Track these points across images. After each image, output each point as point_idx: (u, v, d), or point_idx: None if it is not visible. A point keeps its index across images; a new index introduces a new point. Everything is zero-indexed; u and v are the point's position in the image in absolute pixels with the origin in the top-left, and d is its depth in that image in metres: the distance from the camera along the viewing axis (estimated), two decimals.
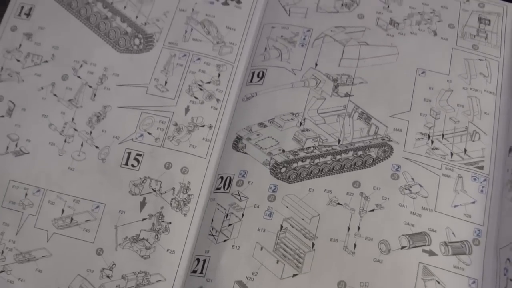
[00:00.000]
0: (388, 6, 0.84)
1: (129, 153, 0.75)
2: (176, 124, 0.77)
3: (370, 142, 0.76)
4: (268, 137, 0.76)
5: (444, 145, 0.76)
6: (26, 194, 0.74)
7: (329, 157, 0.74)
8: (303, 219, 0.71)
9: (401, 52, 0.81)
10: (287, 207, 0.72)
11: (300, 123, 0.77)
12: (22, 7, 0.84)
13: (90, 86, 0.79)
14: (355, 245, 0.70)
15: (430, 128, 0.77)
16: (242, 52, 0.82)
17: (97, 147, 0.76)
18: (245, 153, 0.75)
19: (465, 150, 0.76)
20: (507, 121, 0.80)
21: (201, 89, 0.78)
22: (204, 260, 0.70)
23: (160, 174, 0.75)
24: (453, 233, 0.72)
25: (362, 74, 0.80)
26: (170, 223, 0.72)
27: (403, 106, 0.78)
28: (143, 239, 0.71)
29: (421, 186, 0.74)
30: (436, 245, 0.71)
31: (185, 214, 0.72)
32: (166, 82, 0.79)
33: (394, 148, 0.76)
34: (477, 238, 0.72)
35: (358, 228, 0.71)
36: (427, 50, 0.82)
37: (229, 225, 0.71)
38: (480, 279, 0.71)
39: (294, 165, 0.73)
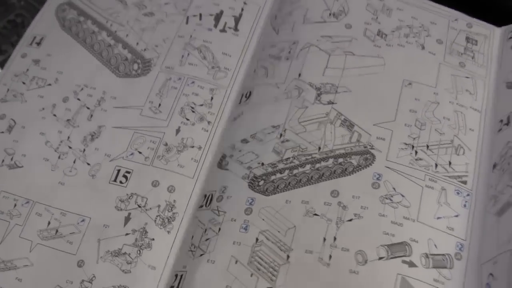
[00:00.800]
0: (377, 18, 0.84)
1: (119, 170, 0.76)
2: (166, 144, 0.78)
3: (352, 149, 0.74)
4: (249, 152, 0.76)
5: (429, 156, 0.74)
6: (15, 205, 0.75)
7: (308, 166, 0.73)
8: (278, 231, 0.69)
9: (387, 63, 0.80)
10: (263, 219, 0.70)
11: (281, 135, 0.76)
12: (34, 37, 0.88)
13: (88, 108, 0.81)
14: (330, 256, 0.67)
15: (414, 138, 0.75)
16: (237, 77, 0.83)
17: (88, 164, 0.77)
18: (227, 169, 0.75)
19: (450, 163, 0.74)
20: (491, 139, 0.78)
21: (193, 111, 0.79)
22: (181, 276, 0.70)
23: (147, 192, 0.75)
24: (435, 245, 0.69)
25: (346, 83, 0.79)
26: (153, 239, 0.72)
27: (388, 116, 0.77)
28: (125, 253, 0.71)
29: (403, 196, 0.71)
30: (416, 257, 0.68)
31: (168, 232, 0.72)
32: (160, 104, 0.81)
33: (376, 157, 0.74)
34: (459, 253, 0.70)
35: (335, 238, 0.68)
36: (414, 62, 0.81)
37: (206, 239, 0.71)
38: None
39: (272, 177, 0.72)
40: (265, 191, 0.72)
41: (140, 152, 0.78)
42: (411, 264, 0.67)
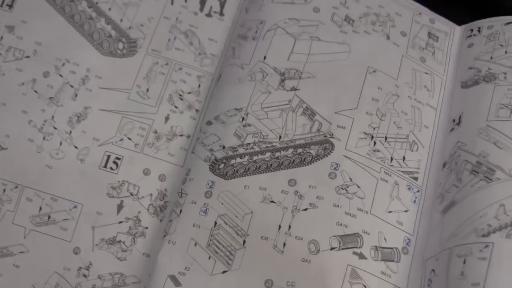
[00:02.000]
0: (345, 2, 0.83)
1: (109, 156, 0.76)
2: (155, 132, 0.77)
3: (312, 139, 0.74)
4: (212, 134, 0.76)
5: (386, 149, 0.75)
6: (4, 190, 0.73)
7: (268, 154, 0.73)
8: (236, 216, 0.70)
9: (353, 51, 0.79)
10: (222, 203, 0.71)
11: (243, 118, 0.75)
12: None
13: (71, 86, 0.78)
14: (284, 244, 0.68)
15: (374, 128, 0.75)
16: (222, 64, 0.82)
17: (76, 147, 0.76)
18: (193, 152, 0.76)
19: (404, 158, 0.75)
20: (444, 138, 0.79)
21: (181, 99, 0.79)
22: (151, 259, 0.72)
23: (138, 179, 0.75)
24: (385, 238, 0.70)
25: (311, 69, 0.77)
26: (146, 227, 0.73)
27: (350, 103, 0.76)
28: (119, 241, 0.72)
29: (358, 187, 0.72)
30: (367, 249, 0.69)
31: (161, 220, 0.74)
32: (147, 90, 0.79)
33: (335, 146, 0.73)
34: (406, 247, 0.72)
35: (289, 227, 0.69)
36: (379, 51, 0.80)
37: (169, 221, 0.72)
38: None
39: (232, 161, 0.73)
40: (225, 174, 0.72)
41: (129, 139, 0.77)
42: (361, 256, 0.69)
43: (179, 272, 0.69)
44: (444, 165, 0.75)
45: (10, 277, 0.70)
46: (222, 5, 0.85)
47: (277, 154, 0.73)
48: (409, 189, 0.74)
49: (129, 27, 0.82)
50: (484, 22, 0.84)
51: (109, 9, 0.83)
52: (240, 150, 0.74)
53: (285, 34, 0.80)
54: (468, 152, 0.73)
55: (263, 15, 0.82)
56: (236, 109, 0.76)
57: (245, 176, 0.73)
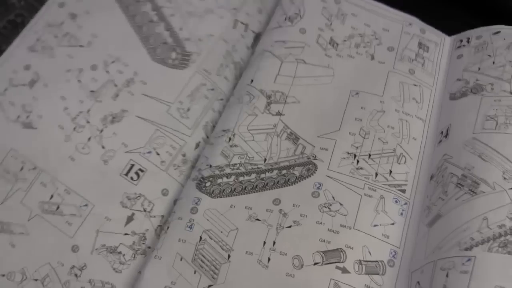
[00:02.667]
0: (331, 24, 0.37)
1: (132, 165, 0.31)
2: (184, 155, 0.33)
3: (295, 161, 0.32)
4: (200, 155, 0.33)
5: (370, 166, 0.31)
6: (22, 168, 0.30)
7: (253, 175, 0.31)
8: (221, 232, 0.30)
9: (336, 74, 0.35)
10: (207, 220, 0.30)
11: (230, 139, 0.33)
12: None
13: (115, 85, 0.33)
14: (269, 259, 0.28)
15: (357, 147, 0.31)
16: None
17: (103, 147, 0.31)
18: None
19: (390, 172, 0.31)
20: (432, 150, 0.33)
21: (212, 131, 0.35)
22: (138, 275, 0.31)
23: (155, 197, 0.31)
24: (369, 252, 0.29)
25: (296, 93, 0.34)
26: (149, 247, 0.30)
27: (332, 126, 0.33)
28: (120, 252, 0.30)
29: (341, 204, 0.29)
30: (350, 263, 0.28)
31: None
32: (189, 109, 0.33)
33: (318, 166, 0.31)
34: (392, 260, 0.29)
35: (274, 243, 0.28)
36: (363, 73, 0.34)
37: (158, 237, 0.31)
38: None
39: (219, 180, 0.31)
40: (211, 193, 0.31)
41: (158, 154, 0.32)
42: (344, 270, 0.28)
43: (165, 286, 0.29)
44: (432, 177, 0.31)
45: (3, 253, 0.29)
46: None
47: (262, 175, 0.31)
48: (396, 202, 0.30)
49: (187, 38, 0.35)
50: (473, 33, 0.36)
51: (172, 15, 0.36)
52: (227, 170, 0.32)
53: (272, 56, 0.35)
54: (454, 165, 0.30)
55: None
56: (224, 130, 0.33)
57: (231, 196, 0.31)
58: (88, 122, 0.32)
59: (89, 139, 0.32)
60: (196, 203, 0.31)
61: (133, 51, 0.34)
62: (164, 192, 0.32)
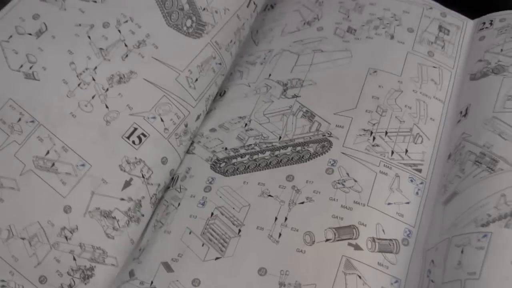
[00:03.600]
0: (348, 16, 0.36)
1: (135, 129, 0.29)
2: (186, 125, 0.31)
3: (310, 138, 0.31)
4: (215, 138, 0.32)
5: (386, 143, 0.30)
6: (19, 120, 0.27)
7: (267, 153, 0.30)
8: (233, 208, 0.29)
9: (354, 55, 0.33)
10: (220, 197, 0.29)
11: (246, 124, 0.32)
12: None
13: (126, 45, 0.30)
14: (280, 234, 0.27)
15: (374, 124, 0.30)
16: (229, 82, 0.36)
17: (107, 107, 0.29)
18: (193, 153, 0.32)
19: (406, 151, 0.30)
20: (451, 130, 0.32)
21: (207, 104, 0.34)
22: (144, 249, 0.29)
23: (154, 165, 0.30)
24: (383, 230, 0.28)
25: (312, 77, 0.33)
26: (143, 215, 0.29)
27: (349, 104, 0.31)
28: (114, 218, 0.28)
29: (355, 181, 0.28)
30: (363, 240, 0.27)
31: (153, 212, 0.30)
32: (197, 79, 0.32)
33: (333, 143, 0.30)
34: (406, 239, 0.28)
35: (286, 218, 0.27)
36: (381, 52, 0.34)
37: (167, 214, 0.30)
38: (403, 279, 0.27)
39: (233, 160, 0.31)
40: (225, 172, 0.30)
41: (162, 120, 0.30)
42: (357, 247, 0.27)
43: (171, 259, 0.28)
44: (449, 156, 0.31)
45: None
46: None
47: (277, 152, 0.31)
48: (411, 181, 0.29)
49: (204, 8, 0.32)
50: (496, 15, 0.35)
51: None
52: (241, 150, 0.31)
53: (289, 54, 0.34)
54: (472, 143, 0.30)
55: (272, 46, 0.36)
56: (240, 117, 0.33)
57: (244, 173, 0.30)
58: (93, 79, 0.29)
59: (93, 97, 0.29)
60: (210, 182, 0.30)
61: (148, 13, 0.31)
62: (164, 161, 0.30)
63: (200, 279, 0.27)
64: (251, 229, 0.28)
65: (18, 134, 0.28)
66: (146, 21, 0.31)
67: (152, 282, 0.27)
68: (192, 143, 0.33)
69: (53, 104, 0.28)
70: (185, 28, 0.32)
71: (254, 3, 0.36)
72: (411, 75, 0.33)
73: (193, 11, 0.33)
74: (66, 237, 0.27)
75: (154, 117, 0.30)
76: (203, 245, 0.28)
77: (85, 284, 0.27)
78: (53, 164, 0.28)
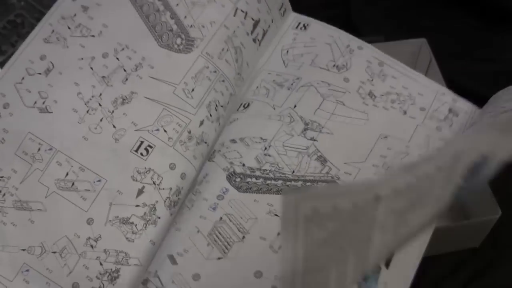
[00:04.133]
0: (372, 80, 0.39)
1: (142, 142, 0.33)
2: (189, 132, 0.34)
3: (320, 178, 0.35)
4: (234, 150, 0.36)
5: None
6: (39, 149, 0.32)
7: (280, 181, 0.34)
8: (241, 218, 0.33)
9: (370, 119, 0.37)
10: (231, 207, 0.33)
11: (265, 148, 0.36)
12: None
13: (124, 70, 0.34)
14: (280, 246, 0.31)
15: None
16: (247, 91, 0.39)
17: (114, 126, 0.33)
18: (213, 161, 0.36)
19: None
20: None
21: (216, 110, 0.36)
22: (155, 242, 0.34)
23: (163, 171, 0.33)
24: None
25: (330, 126, 0.37)
26: (159, 218, 0.33)
27: (359, 157, 0.35)
28: (132, 223, 0.32)
29: None
30: None
31: (171, 215, 0.34)
32: (193, 90, 0.35)
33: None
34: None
35: None
36: (394, 123, 0.37)
37: (181, 215, 0.34)
38: None
39: (248, 179, 0.34)
40: (239, 187, 0.34)
41: (165, 131, 0.34)
42: None
43: (177, 253, 0.32)
44: None
45: (23, 229, 0.31)
46: (263, 36, 0.40)
47: (288, 183, 0.35)
48: None
49: (191, 25, 0.36)
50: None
51: (177, 4, 0.37)
52: (257, 172, 0.35)
53: (315, 93, 0.38)
54: None
55: (300, 74, 0.39)
56: (262, 139, 0.36)
57: (256, 193, 0.34)
58: (100, 105, 0.33)
59: (101, 120, 0.33)
60: (224, 192, 0.33)
61: (141, 39, 0.35)
62: (172, 166, 0.34)
63: (201, 275, 0.31)
64: (254, 237, 0.32)
65: (40, 162, 0.32)
66: (140, 46, 0.35)
67: (156, 271, 0.31)
68: (213, 152, 0.36)
69: (66, 131, 0.32)
70: (176, 46, 0.36)
71: (242, 11, 0.39)
72: (418, 142, 0.37)
73: (181, 29, 0.37)
74: (91, 246, 0.31)
75: (157, 129, 0.34)
76: (208, 244, 0.32)
77: (113, 285, 0.31)
78: (73, 184, 0.32)
